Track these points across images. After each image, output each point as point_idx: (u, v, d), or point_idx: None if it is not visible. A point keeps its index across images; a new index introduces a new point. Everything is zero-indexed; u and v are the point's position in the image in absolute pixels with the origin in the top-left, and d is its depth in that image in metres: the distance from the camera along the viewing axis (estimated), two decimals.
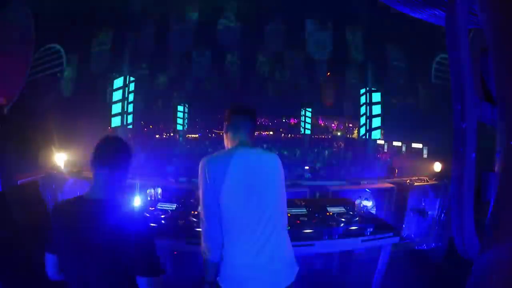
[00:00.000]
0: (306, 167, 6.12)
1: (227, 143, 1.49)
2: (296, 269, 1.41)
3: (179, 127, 9.72)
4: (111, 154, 1.17)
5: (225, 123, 1.48)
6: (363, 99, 6.53)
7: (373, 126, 6.49)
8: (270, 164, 1.40)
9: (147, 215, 2.27)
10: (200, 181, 1.33)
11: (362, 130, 6.58)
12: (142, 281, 1.09)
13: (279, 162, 1.42)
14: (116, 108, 5.90)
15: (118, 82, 5.88)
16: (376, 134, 6.58)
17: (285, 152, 8.23)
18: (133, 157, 1.23)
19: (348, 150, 10.29)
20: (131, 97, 6.01)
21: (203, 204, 1.32)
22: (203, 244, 1.32)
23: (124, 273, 1.09)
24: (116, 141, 1.22)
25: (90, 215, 1.09)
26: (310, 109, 9.80)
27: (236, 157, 1.35)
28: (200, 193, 1.33)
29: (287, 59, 7.31)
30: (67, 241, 1.10)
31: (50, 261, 1.17)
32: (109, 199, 1.13)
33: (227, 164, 1.32)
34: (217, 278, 1.33)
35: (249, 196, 1.31)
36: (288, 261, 1.40)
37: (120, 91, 5.92)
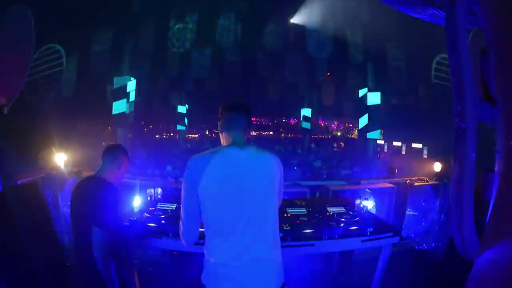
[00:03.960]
0: (306, 167, 6.12)
1: (222, 142, 1.46)
2: (281, 280, 1.34)
3: (179, 127, 9.71)
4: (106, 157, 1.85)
5: (219, 122, 1.45)
6: (363, 99, 6.53)
7: (373, 126, 6.50)
8: (262, 164, 1.35)
9: (147, 214, 2.27)
10: (185, 179, 1.32)
11: (362, 130, 6.58)
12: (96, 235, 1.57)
13: (274, 163, 1.37)
14: (116, 108, 5.91)
15: (118, 82, 5.88)
16: (375, 134, 6.59)
17: (285, 152, 8.24)
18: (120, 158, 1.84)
19: (348, 150, 10.29)
20: (131, 97, 6.01)
21: (182, 202, 1.32)
22: (180, 232, 1.36)
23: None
24: (112, 149, 1.88)
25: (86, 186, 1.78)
26: (310, 109, 9.80)
27: (222, 156, 1.32)
28: (182, 190, 1.32)
29: (287, 59, 7.31)
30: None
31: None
32: (103, 178, 1.77)
33: (211, 163, 1.28)
34: (200, 277, 1.33)
35: (232, 196, 1.28)
36: (273, 268, 1.33)
37: (120, 91, 5.92)
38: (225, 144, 1.42)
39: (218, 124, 1.46)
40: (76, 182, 1.82)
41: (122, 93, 5.79)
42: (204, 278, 1.31)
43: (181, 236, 1.37)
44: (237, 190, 1.29)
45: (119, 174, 1.86)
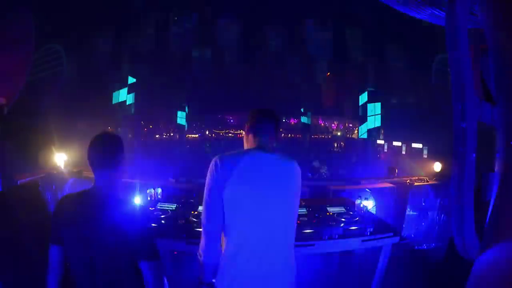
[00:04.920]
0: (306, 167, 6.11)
1: (247, 144, 1.44)
2: (295, 283, 1.34)
3: (179, 127, 9.72)
4: (111, 156, 1.24)
5: (247, 124, 1.42)
6: (363, 99, 6.54)
7: (373, 126, 6.50)
8: (286, 171, 1.33)
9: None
10: (207, 179, 1.27)
11: (362, 130, 6.58)
12: (144, 265, 1.20)
13: (296, 170, 1.35)
14: (116, 108, 5.91)
15: (118, 82, 5.89)
16: (375, 135, 6.59)
17: (285, 152, 8.20)
18: (125, 151, 1.29)
19: (348, 150, 10.29)
20: (131, 97, 6.01)
21: (205, 202, 1.27)
22: (200, 245, 1.29)
23: (128, 259, 1.20)
24: (112, 141, 1.27)
25: (96, 209, 1.20)
26: (310, 109, 9.80)
27: (249, 159, 1.29)
28: (205, 191, 1.27)
29: (287, 59, 7.32)
30: (73, 233, 1.19)
31: (55, 252, 1.23)
32: (112, 194, 1.24)
33: (237, 164, 1.25)
34: (214, 280, 1.29)
35: (255, 201, 1.24)
36: (290, 275, 1.32)
37: (120, 91, 5.92)
38: (249, 147, 1.41)
39: (246, 126, 1.43)
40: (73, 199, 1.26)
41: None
42: (219, 283, 1.27)
43: (201, 252, 1.28)
44: (264, 196, 1.26)
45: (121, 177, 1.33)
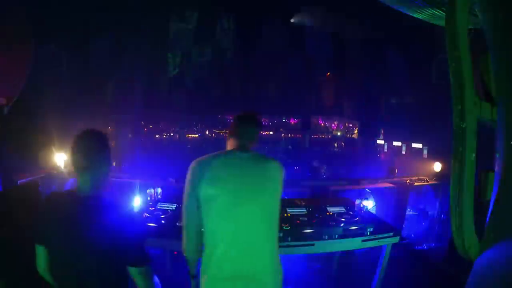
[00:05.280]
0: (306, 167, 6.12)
1: (228, 147, 1.46)
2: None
3: (179, 127, 9.73)
4: (95, 156, 1.15)
5: (230, 129, 1.46)
6: (363, 99, 6.54)
7: (373, 126, 6.50)
8: (262, 169, 1.34)
9: (147, 214, 2.27)
10: (186, 182, 1.31)
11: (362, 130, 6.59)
12: (133, 271, 1.16)
13: (277, 169, 1.35)
14: (116, 108, 5.91)
15: (118, 82, 5.89)
16: (375, 135, 6.60)
17: (285, 152, 8.24)
18: (111, 148, 1.21)
19: (348, 150, 10.30)
20: (131, 97, 6.02)
21: (184, 205, 1.31)
22: (182, 243, 1.34)
23: (116, 264, 1.15)
24: (96, 139, 1.18)
25: (82, 211, 1.12)
26: (310, 109, 9.81)
27: (223, 159, 1.32)
28: (184, 194, 1.31)
29: (287, 59, 7.32)
30: (59, 235, 1.12)
31: (42, 253, 1.17)
32: (99, 196, 1.16)
33: (210, 165, 1.29)
34: (196, 283, 1.33)
35: (229, 199, 1.26)
36: (273, 275, 1.30)
37: (120, 91, 5.92)
38: (229, 149, 1.43)
39: (228, 132, 1.47)
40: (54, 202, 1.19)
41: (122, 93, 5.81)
42: (203, 285, 1.28)
43: (183, 250, 1.34)
44: (243, 195, 1.27)
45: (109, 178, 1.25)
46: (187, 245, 1.33)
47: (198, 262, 1.35)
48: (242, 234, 1.26)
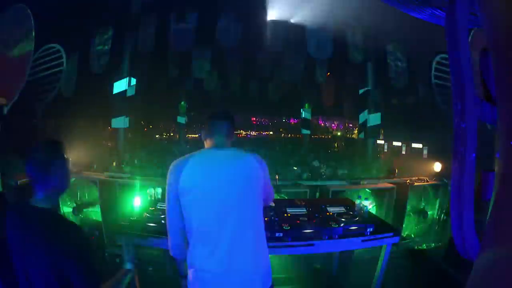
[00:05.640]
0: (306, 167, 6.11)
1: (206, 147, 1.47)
2: (268, 284, 1.32)
3: (179, 127, 9.72)
4: (43, 169, 1.13)
5: (204, 130, 1.46)
6: (363, 99, 6.54)
7: (372, 126, 6.50)
8: (242, 164, 1.34)
9: (147, 214, 2.27)
10: (167, 184, 1.33)
11: (362, 131, 6.59)
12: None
13: (256, 162, 1.35)
14: (116, 108, 5.91)
15: (118, 82, 5.89)
16: (375, 134, 6.59)
17: (285, 152, 8.24)
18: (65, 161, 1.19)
19: (348, 150, 10.29)
20: (131, 97, 6.01)
21: (166, 206, 1.34)
22: (168, 243, 1.37)
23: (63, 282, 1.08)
24: (46, 150, 1.17)
25: (27, 231, 1.09)
26: (310, 109, 9.80)
27: (198, 158, 1.33)
28: (166, 195, 1.34)
29: (287, 59, 7.31)
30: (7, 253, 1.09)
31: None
32: (47, 212, 1.13)
33: (189, 163, 1.30)
34: (186, 283, 1.33)
35: (212, 198, 1.27)
36: (257, 273, 1.29)
37: (120, 91, 5.92)
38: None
39: (202, 134, 1.47)
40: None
41: (122, 93, 5.83)
42: (189, 284, 1.30)
43: (169, 250, 1.38)
44: (222, 192, 1.27)
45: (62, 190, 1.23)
46: (172, 244, 1.36)
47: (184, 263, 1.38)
48: (224, 229, 1.26)
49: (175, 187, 1.29)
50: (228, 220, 1.26)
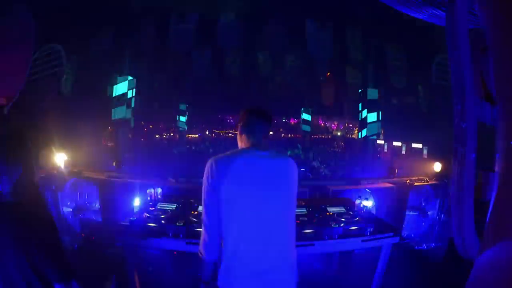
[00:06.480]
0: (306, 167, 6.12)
1: (240, 144, 1.46)
2: (296, 280, 1.36)
3: (179, 127, 9.73)
4: (6, 168, 1.13)
5: (240, 124, 1.46)
6: (363, 99, 6.55)
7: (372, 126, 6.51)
8: (282, 168, 1.36)
9: (147, 214, 2.27)
10: (204, 180, 1.31)
11: (362, 131, 6.59)
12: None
13: (292, 167, 1.38)
14: (116, 108, 5.91)
15: (118, 82, 5.89)
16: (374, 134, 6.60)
17: (285, 152, 8.25)
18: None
19: (348, 150, 10.30)
20: (131, 97, 6.02)
21: (204, 203, 1.31)
22: (201, 242, 1.33)
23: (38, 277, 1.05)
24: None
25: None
26: (310, 109, 9.81)
27: (243, 158, 1.32)
28: (203, 192, 1.31)
29: (287, 59, 7.31)
30: None
31: None
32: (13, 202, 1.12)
33: (233, 164, 1.28)
34: (217, 283, 1.31)
35: (251, 199, 1.27)
36: (290, 271, 1.33)
37: (120, 91, 5.93)
38: (243, 146, 1.43)
39: (239, 126, 1.46)
40: None
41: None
42: (221, 283, 1.29)
43: (202, 249, 1.33)
44: (262, 194, 1.28)
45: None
46: (207, 245, 1.31)
47: (212, 266, 1.35)
48: (263, 233, 1.27)
49: (218, 185, 1.27)
50: (267, 223, 1.28)
